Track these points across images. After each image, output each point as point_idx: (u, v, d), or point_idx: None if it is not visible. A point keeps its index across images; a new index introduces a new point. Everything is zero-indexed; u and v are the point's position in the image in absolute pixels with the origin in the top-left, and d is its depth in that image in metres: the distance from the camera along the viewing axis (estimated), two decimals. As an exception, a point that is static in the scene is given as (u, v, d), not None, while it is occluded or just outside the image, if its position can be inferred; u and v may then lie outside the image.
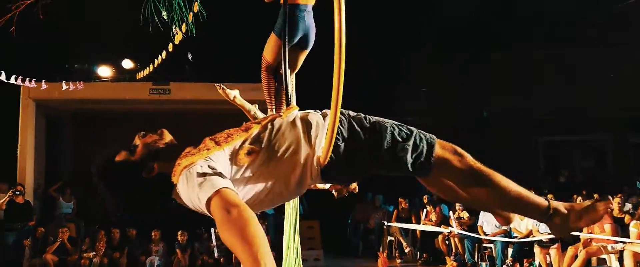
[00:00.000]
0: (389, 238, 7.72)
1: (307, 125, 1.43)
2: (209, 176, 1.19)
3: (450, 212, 7.20)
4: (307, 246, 7.50)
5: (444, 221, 7.31)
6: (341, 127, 1.41)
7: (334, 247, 8.24)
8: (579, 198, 6.45)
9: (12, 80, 5.13)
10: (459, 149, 1.49)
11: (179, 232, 6.59)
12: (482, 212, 6.92)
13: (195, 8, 4.18)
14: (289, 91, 2.88)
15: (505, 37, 9.39)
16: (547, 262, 5.99)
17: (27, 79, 5.49)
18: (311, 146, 1.38)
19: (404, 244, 7.43)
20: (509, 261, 6.27)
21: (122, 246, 6.66)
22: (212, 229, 6.64)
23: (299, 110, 1.59)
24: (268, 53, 3.07)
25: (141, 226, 6.87)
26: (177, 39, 4.88)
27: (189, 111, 7.71)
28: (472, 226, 7.00)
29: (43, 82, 5.82)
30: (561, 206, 1.55)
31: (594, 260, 5.85)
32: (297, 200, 4.65)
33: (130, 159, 1.36)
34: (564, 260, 5.68)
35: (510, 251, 6.40)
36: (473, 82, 9.86)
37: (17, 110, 7.14)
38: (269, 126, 1.44)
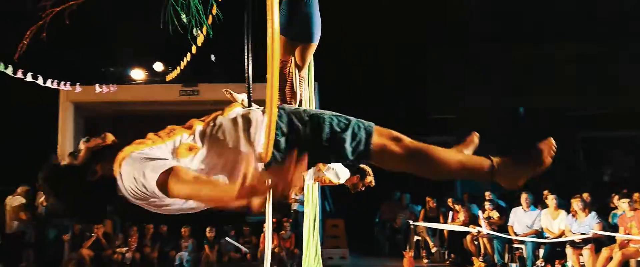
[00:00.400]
0: (416, 238, 7.61)
1: (247, 122, 1.47)
2: (156, 160, 1.26)
3: (479, 212, 7.03)
4: (332, 244, 7.55)
5: (473, 220, 7.14)
6: (280, 123, 1.45)
7: (361, 247, 8.23)
8: (616, 197, 6.15)
9: (49, 83, 5.42)
10: (396, 133, 1.56)
11: (208, 229, 6.78)
12: (513, 211, 6.75)
13: (214, 10, 4.28)
14: (296, 86, 2.88)
15: (548, 32, 9.10)
16: (580, 263, 5.74)
17: (62, 82, 5.81)
18: (251, 143, 1.41)
19: (431, 244, 7.31)
20: (540, 262, 6.06)
21: (154, 241, 6.91)
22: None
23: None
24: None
25: (172, 222, 7.12)
26: (199, 41, 5.02)
27: (217, 111, 7.89)
28: (503, 225, 6.81)
29: (77, 85, 6.13)
30: (505, 159, 1.59)
31: (632, 263, 5.57)
32: (317, 198, 4.70)
33: (74, 163, 1.41)
34: (598, 261, 5.42)
35: (541, 252, 6.20)
36: (514, 78, 9.61)
37: (56, 112, 7.55)
38: (211, 123, 1.48)
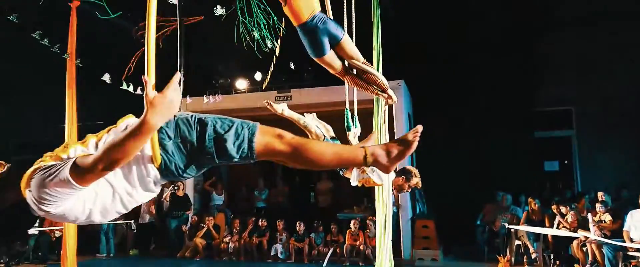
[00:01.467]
0: (517, 242, 7.05)
1: None
2: (59, 164, 1.43)
3: (589, 215, 6.26)
4: (422, 246, 7.43)
5: (582, 224, 6.39)
6: (166, 128, 1.57)
7: (459, 250, 7.92)
8: None
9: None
10: (279, 131, 1.64)
11: (298, 223, 7.28)
12: (629, 215, 5.90)
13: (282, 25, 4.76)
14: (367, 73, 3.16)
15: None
16: None
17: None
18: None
19: (531, 249, 6.71)
20: (658, 273, 5.18)
21: (255, 233, 7.65)
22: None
23: None
24: (330, 68, 3.31)
25: (270, 218, 7.80)
26: (277, 51, 5.55)
27: (309, 113, 8.40)
28: (617, 230, 5.97)
29: (188, 97, 7.17)
30: (377, 147, 1.66)
31: None
32: (388, 198, 4.81)
33: None
34: None
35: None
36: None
37: (177, 121, 8.84)
38: (105, 135, 1.62)
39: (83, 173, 1.37)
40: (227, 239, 7.51)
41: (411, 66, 8.26)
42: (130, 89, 6.22)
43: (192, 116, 1.66)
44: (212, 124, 1.63)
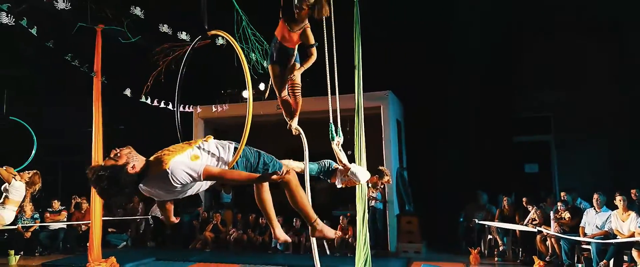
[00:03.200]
0: (489, 236, 7.84)
1: (221, 146, 2.60)
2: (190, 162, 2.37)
3: (551, 212, 7.03)
4: (407, 239, 8.24)
5: (547, 221, 7.15)
6: (247, 149, 2.66)
7: (442, 244, 8.69)
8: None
9: (170, 107, 7.48)
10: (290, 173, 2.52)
11: (294, 219, 8.18)
12: (585, 213, 6.64)
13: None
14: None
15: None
16: (649, 267, 5.52)
17: (187, 105, 7.85)
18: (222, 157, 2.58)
19: (500, 242, 7.50)
20: (603, 263, 5.93)
21: (257, 227, 8.58)
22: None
23: None
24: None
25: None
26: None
27: (303, 120, 9.28)
28: (575, 226, 6.71)
29: (198, 107, 8.12)
30: (324, 228, 2.74)
31: None
32: (365, 196, 5.72)
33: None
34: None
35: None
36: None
37: (191, 126, 9.84)
38: (201, 145, 2.51)
39: (208, 175, 2.30)
40: (233, 233, 8.46)
41: (398, 75, 9.07)
42: (148, 101, 7.24)
43: (253, 149, 2.67)
44: (263, 156, 2.66)
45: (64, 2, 4.52)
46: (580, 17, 9.08)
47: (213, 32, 3.88)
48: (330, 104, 5.04)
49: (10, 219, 6.04)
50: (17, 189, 5.98)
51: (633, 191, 6.82)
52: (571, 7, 9.08)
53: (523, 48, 9.66)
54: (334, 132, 4.64)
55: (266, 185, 2.79)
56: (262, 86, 9.52)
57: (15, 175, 6.05)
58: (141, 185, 2.34)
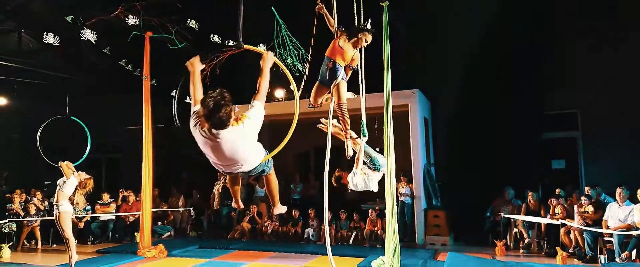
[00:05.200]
0: (515, 230, 8.11)
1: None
2: None
3: (575, 206, 7.26)
4: (433, 232, 8.60)
5: (570, 215, 7.38)
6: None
7: (470, 237, 8.99)
8: None
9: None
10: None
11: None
12: (608, 206, 6.85)
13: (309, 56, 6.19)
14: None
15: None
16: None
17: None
18: None
19: (525, 235, 7.77)
20: (625, 254, 6.16)
21: (290, 221, 9.11)
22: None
23: None
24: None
25: (301, 207, 9.25)
26: (307, 71, 6.98)
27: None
28: (598, 220, 6.94)
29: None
30: None
31: None
32: (394, 190, 6.16)
33: None
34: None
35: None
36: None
37: (227, 125, 10.42)
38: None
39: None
40: (268, 224, 9.02)
41: (427, 73, 9.40)
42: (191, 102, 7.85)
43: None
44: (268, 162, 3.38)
45: (133, 18, 5.10)
46: (605, 17, 9.16)
47: (248, 47, 4.43)
48: (363, 103, 5.39)
49: (71, 210, 6.75)
50: (71, 185, 6.66)
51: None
52: (597, 5, 9.19)
53: (549, 45, 9.80)
54: (365, 129, 4.83)
55: (273, 174, 3.80)
56: (293, 87, 10.04)
57: (74, 171, 6.75)
58: (224, 132, 3.06)
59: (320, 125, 5.20)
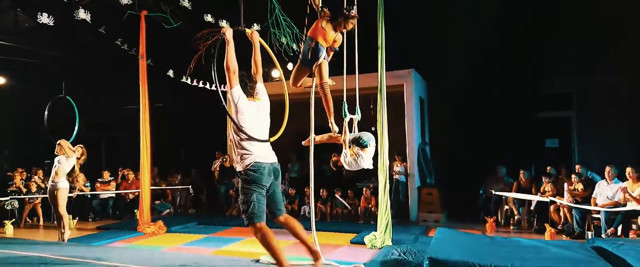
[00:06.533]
0: (506, 207, 8.28)
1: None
2: None
3: (565, 184, 7.41)
4: (427, 210, 8.78)
5: (560, 192, 7.54)
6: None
7: (462, 214, 9.19)
8: None
9: (208, 86, 8.13)
10: None
11: (322, 190, 8.83)
12: (598, 184, 6.99)
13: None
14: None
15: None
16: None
17: (222, 84, 8.49)
18: None
19: (515, 213, 7.94)
20: (610, 231, 6.33)
21: (286, 200, 9.30)
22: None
23: None
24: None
25: (297, 186, 9.42)
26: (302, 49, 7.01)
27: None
28: (587, 197, 7.09)
29: (223, 86, 8.76)
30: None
31: None
32: (386, 168, 6.29)
33: None
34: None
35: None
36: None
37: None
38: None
39: None
40: (264, 202, 9.23)
41: (422, 52, 9.43)
42: (188, 81, 7.92)
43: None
44: None
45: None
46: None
47: (244, 29, 4.48)
48: (345, 84, 5.39)
49: (67, 186, 6.90)
50: (71, 162, 6.81)
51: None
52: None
53: (546, 25, 9.79)
54: (346, 110, 4.87)
55: None
56: (290, 66, 10.08)
57: (73, 150, 6.88)
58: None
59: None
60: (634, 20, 8.80)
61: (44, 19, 4.58)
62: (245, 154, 3.62)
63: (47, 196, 9.11)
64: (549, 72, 9.82)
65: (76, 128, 7.37)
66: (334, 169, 5.17)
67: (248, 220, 3.58)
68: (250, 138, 3.63)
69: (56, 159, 6.76)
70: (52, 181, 6.65)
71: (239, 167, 3.74)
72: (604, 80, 9.30)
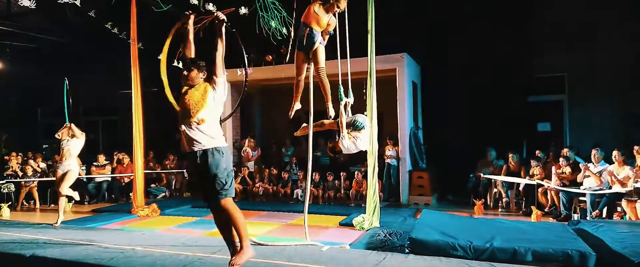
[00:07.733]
0: (495, 190, 8.38)
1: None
2: None
3: (553, 167, 7.49)
4: (417, 192, 8.89)
5: (549, 176, 7.62)
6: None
7: (453, 197, 9.32)
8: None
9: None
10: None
11: (315, 173, 8.92)
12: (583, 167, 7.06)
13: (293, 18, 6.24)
14: None
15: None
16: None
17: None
18: None
19: (504, 195, 8.04)
20: (595, 213, 6.43)
21: (280, 182, 9.40)
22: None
23: None
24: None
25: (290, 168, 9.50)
26: (292, 34, 7.02)
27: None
28: (574, 180, 7.17)
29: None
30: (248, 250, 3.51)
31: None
32: (376, 152, 6.36)
33: None
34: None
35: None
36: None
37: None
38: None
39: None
40: (258, 185, 9.31)
41: (414, 37, 9.42)
42: (180, 65, 7.94)
43: None
44: None
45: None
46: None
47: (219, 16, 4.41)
48: (340, 68, 5.46)
49: (78, 169, 7.02)
50: (80, 144, 6.90)
51: (636, 148, 7.04)
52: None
53: (538, 7, 9.76)
54: (342, 93, 5.03)
55: None
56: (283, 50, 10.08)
57: (69, 128, 6.94)
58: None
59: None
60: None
61: (25, 2, 4.56)
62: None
63: (42, 179, 9.29)
64: (542, 55, 9.79)
65: (66, 112, 7.39)
66: (332, 155, 5.23)
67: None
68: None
69: (66, 142, 6.79)
70: (60, 163, 6.73)
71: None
72: (596, 62, 9.31)
